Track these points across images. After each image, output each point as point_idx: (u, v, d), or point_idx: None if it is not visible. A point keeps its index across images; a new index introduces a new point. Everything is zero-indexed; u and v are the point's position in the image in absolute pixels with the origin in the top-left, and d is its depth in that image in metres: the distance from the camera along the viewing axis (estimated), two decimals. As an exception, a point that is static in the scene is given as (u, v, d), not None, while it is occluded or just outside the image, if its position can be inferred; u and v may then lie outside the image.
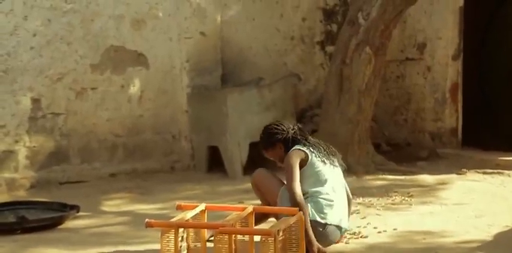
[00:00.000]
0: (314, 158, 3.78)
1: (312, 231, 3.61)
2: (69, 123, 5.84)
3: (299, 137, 3.85)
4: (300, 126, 3.99)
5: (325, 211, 3.71)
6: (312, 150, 3.81)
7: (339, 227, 3.77)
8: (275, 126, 3.89)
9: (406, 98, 7.52)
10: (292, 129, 3.88)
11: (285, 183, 3.76)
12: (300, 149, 3.78)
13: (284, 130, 3.86)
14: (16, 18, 5.50)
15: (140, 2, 6.21)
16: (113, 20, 6.05)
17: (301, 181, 3.68)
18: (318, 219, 3.69)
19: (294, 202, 3.60)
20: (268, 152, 3.91)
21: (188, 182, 5.96)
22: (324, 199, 3.73)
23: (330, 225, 3.71)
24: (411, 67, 7.47)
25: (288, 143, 3.83)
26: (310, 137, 3.93)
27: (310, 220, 3.64)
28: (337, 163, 3.91)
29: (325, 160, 3.82)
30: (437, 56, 7.25)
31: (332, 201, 3.75)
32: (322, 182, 3.77)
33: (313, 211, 3.69)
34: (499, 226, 4.33)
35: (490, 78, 7.93)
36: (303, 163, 3.75)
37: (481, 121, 7.64)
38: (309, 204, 3.69)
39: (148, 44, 6.29)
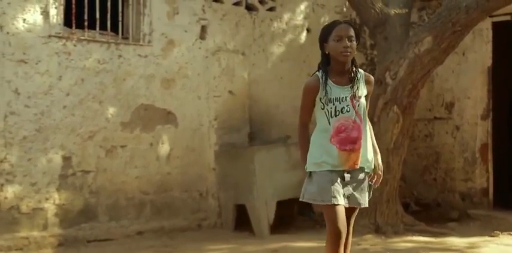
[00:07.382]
0: None
1: None
2: (99, 180, 5.87)
3: None
4: None
5: None
6: None
7: None
8: None
9: (435, 157, 7.45)
10: None
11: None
12: None
13: None
14: (51, 78, 5.63)
15: (170, 61, 6.34)
16: (144, 79, 6.17)
17: None
18: None
19: None
20: (356, 44, 3.43)
21: (215, 241, 5.92)
22: None
23: None
24: (439, 126, 7.43)
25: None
26: None
27: None
28: None
29: None
30: (466, 116, 7.20)
31: None
32: None
33: None
34: (535, 293, 4.19)
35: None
36: None
37: (512, 181, 7.52)
38: None
39: (178, 102, 6.39)
